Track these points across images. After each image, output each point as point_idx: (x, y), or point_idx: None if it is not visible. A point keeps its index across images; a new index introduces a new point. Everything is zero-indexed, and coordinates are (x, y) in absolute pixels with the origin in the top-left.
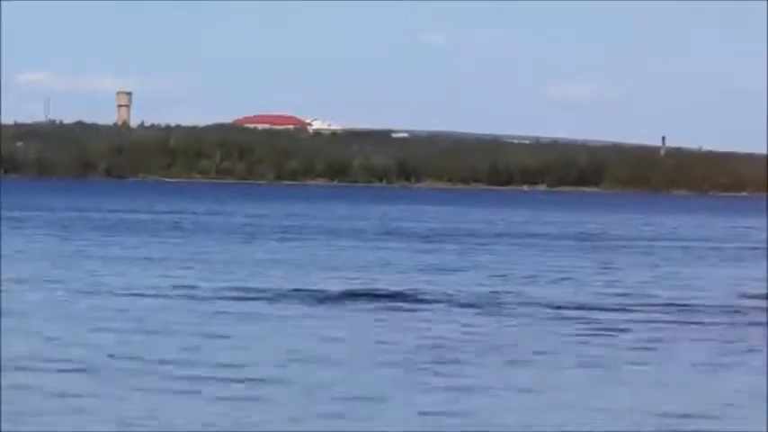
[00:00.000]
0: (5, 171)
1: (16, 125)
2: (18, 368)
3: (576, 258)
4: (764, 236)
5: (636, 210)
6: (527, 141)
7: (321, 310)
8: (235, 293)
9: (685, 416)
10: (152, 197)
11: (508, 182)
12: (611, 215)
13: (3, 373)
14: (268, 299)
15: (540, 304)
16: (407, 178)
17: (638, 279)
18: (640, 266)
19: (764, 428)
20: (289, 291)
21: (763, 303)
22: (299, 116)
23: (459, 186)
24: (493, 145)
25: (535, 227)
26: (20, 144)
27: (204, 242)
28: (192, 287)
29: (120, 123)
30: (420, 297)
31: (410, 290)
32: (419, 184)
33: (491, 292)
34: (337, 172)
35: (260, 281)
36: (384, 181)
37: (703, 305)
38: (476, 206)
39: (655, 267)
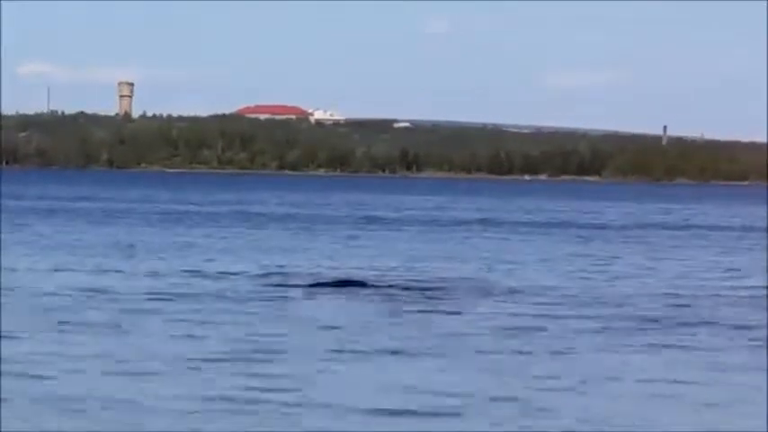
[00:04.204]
0: (6, 162)
1: (18, 116)
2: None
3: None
4: None
5: (662, 199)
6: (528, 131)
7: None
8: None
9: None
10: (195, 188)
11: (509, 171)
12: (652, 204)
13: None
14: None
15: None
16: (409, 167)
17: None
18: None
19: (765, 428)
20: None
21: None
22: (300, 106)
23: (461, 175)
24: (494, 134)
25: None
26: (22, 135)
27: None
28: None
29: (121, 114)
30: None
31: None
32: (421, 174)
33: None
34: (339, 162)
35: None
36: (386, 170)
37: None
38: (511, 196)
39: None
